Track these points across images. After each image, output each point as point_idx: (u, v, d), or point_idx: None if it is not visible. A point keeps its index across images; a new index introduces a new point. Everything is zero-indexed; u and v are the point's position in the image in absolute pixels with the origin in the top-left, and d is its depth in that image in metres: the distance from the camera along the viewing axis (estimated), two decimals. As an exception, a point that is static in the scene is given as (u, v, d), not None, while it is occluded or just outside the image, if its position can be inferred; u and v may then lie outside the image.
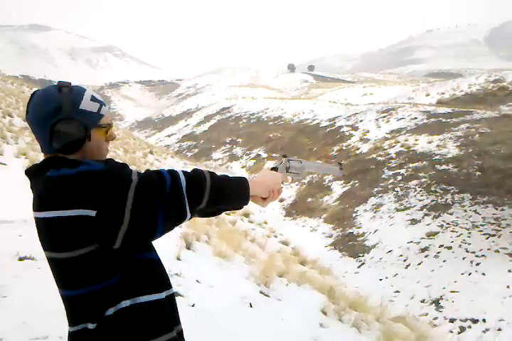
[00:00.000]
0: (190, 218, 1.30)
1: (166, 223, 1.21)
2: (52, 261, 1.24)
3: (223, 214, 12.98)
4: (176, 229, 7.22)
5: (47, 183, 1.19)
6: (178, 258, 5.51)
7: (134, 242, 1.22)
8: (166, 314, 1.32)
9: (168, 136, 46.53)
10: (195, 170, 1.35)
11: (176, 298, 4.42)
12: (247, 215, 14.70)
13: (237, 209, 1.49)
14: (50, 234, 1.20)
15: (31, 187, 1.30)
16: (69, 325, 1.26)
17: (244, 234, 10.94)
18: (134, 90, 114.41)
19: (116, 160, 1.29)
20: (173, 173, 1.27)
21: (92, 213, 1.13)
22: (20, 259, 4.26)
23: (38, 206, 1.21)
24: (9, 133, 13.08)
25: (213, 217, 11.15)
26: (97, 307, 1.20)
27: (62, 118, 1.24)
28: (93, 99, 1.33)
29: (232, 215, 13.64)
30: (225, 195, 1.38)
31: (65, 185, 1.15)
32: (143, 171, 1.29)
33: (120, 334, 1.21)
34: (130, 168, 1.26)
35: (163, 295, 1.33)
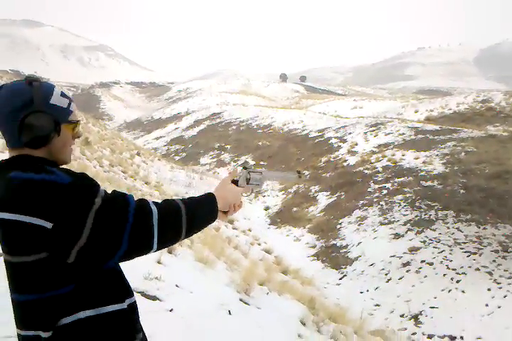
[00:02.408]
0: (158, 250, 1.28)
1: (127, 251, 1.20)
2: (5, 263, 1.23)
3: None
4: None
5: (10, 184, 1.16)
6: (159, 262, 5.43)
7: (90, 261, 1.20)
8: (129, 324, 1.32)
9: (157, 138, 46.32)
10: (167, 202, 1.33)
11: (154, 302, 4.30)
12: (231, 222, 14.63)
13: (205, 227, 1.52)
14: (3, 235, 1.18)
15: None
16: (18, 328, 1.24)
17: (228, 240, 10.88)
18: (125, 91, 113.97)
19: (89, 177, 1.25)
20: (142, 203, 1.26)
21: (48, 225, 1.11)
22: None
23: None
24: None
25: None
26: (48, 315, 1.18)
27: (33, 110, 1.22)
28: (63, 94, 1.33)
29: (216, 221, 13.56)
30: (200, 220, 1.41)
31: (28, 190, 1.13)
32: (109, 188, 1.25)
33: None
34: (99, 188, 1.23)
35: (125, 305, 1.31)
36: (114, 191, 1.29)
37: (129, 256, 1.21)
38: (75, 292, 1.19)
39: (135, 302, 1.39)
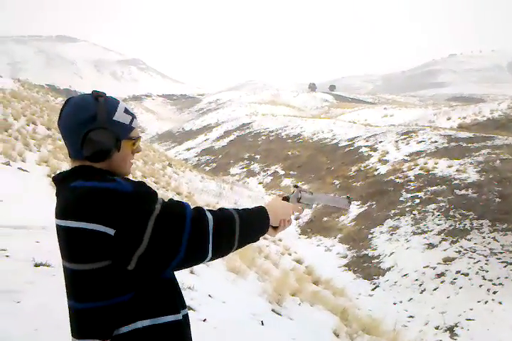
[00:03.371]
0: (212, 259, 1.29)
1: (184, 259, 1.21)
2: (66, 270, 1.24)
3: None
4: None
5: (74, 193, 1.20)
6: (192, 272, 5.49)
7: (149, 268, 1.21)
8: (184, 335, 1.32)
9: (188, 149, 46.83)
10: (222, 211, 1.34)
11: (188, 311, 4.36)
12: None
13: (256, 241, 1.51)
14: (67, 243, 1.21)
15: (56, 194, 1.31)
16: (73, 337, 1.25)
17: (259, 250, 10.88)
18: (157, 103, 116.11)
19: (147, 184, 1.29)
20: (198, 211, 1.27)
21: (111, 232, 1.14)
22: (36, 265, 4.27)
23: (61, 214, 1.22)
24: (32, 141, 13.31)
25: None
26: (106, 323, 1.19)
27: (96, 127, 1.25)
28: (126, 111, 1.35)
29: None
30: (252, 232, 1.41)
31: (91, 198, 1.16)
32: (162, 193, 1.28)
33: None
34: (158, 195, 1.26)
35: (180, 316, 1.31)
36: (170, 199, 1.30)
37: (186, 262, 1.22)
38: (134, 300, 1.20)
39: (188, 314, 1.39)
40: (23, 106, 20.28)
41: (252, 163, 33.72)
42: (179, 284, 1.39)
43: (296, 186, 1.75)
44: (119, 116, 1.32)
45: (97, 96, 1.30)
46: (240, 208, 1.43)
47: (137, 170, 16.11)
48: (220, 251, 1.29)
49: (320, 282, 10.22)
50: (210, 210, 1.31)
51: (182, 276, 4.98)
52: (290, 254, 13.72)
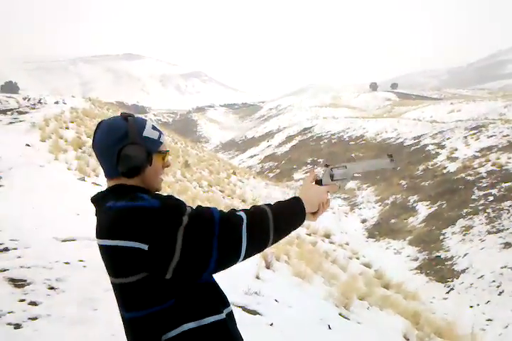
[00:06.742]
0: (248, 255, 1.35)
1: (219, 261, 1.28)
2: (113, 285, 1.36)
3: (303, 235, 12.93)
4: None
5: (107, 213, 1.30)
6: (258, 277, 5.60)
7: (186, 275, 1.29)
8: (230, 332, 1.39)
9: (251, 156, 47.37)
10: (255, 207, 1.43)
11: (255, 316, 4.47)
12: (327, 236, 14.55)
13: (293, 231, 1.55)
14: (108, 260, 1.32)
15: (95, 214, 1.43)
16: None
17: (325, 255, 10.84)
18: (219, 113, 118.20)
19: (175, 196, 1.37)
20: (229, 212, 1.36)
21: (145, 247, 1.22)
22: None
23: (99, 234, 1.34)
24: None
25: (295, 238, 11.18)
26: (155, 329, 1.28)
27: (129, 142, 1.36)
28: (154, 127, 1.45)
29: (313, 236, 13.57)
30: (287, 225, 1.47)
31: (122, 217, 1.25)
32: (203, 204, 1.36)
33: None
34: (185, 206, 1.34)
35: (223, 315, 1.38)
36: (198, 206, 1.40)
37: (221, 266, 1.30)
38: (176, 306, 1.29)
39: (232, 311, 1.47)
40: (94, 123, 21.32)
41: (316, 167, 33.55)
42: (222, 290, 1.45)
43: (326, 165, 1.72)
44: (148, 132, 1.42)
45: (126, 116, 1.42)
46: (273, 202, 1.49)
47: (203, 180, 16.54)
48: (256, 247, 1.36)
49: (390, 286, 9.99)
50: (243, 209, 1.39)
51: (248, 281, 5.11)
52: (358, 258, 13.51)
